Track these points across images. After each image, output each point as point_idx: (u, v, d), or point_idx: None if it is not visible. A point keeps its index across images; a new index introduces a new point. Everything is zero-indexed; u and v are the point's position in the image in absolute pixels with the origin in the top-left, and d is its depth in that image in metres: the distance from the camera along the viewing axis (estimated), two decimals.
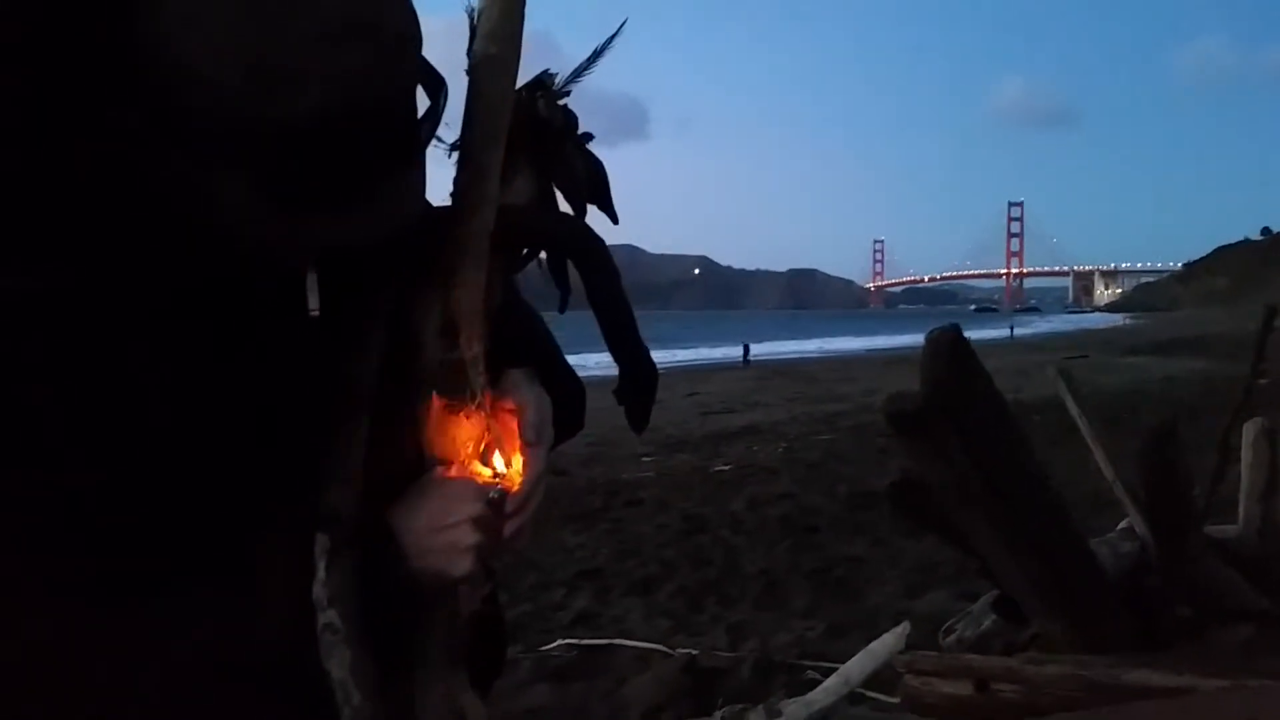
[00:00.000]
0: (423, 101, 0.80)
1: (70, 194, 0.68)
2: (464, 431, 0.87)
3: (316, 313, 0.76)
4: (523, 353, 0.94)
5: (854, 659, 3.15)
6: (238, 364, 0.76)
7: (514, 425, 0.89)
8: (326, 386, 0.81)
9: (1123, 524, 2.50)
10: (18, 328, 0.68)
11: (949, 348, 1.63)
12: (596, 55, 1.04)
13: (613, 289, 1.05)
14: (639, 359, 1.08)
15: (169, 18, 0.65)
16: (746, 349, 33.11)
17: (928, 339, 1.63)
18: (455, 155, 0.88)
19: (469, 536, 0.82)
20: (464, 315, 0.87)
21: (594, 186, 1.07)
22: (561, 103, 1.04)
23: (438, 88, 0.81)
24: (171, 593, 0.71)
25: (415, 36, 0.74)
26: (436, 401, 0.86)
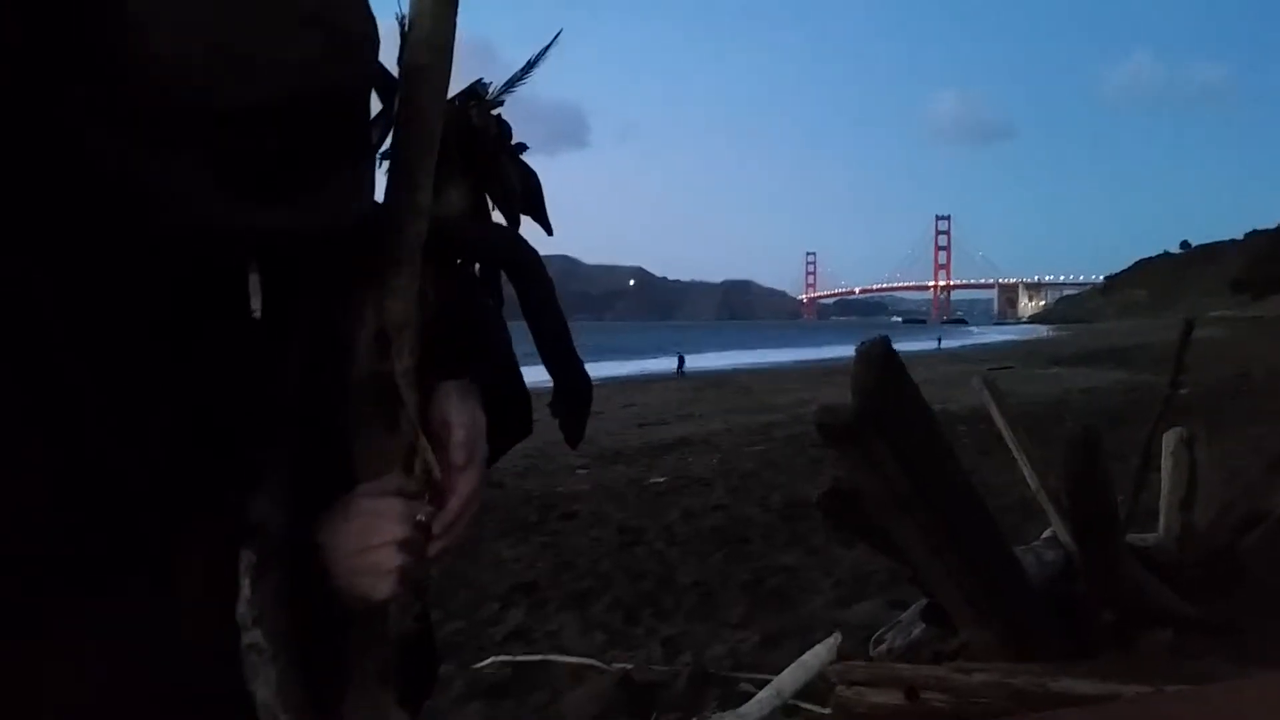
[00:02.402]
0: (376, 105, 0.80)
1: (16, 173, 0.66)
2: (393, 446, 0.85)
3: (258, 314, 0.75)
4: (458, 366, 0.93)
5: (786, 670, 3.18)
6: (173, 363, 0.74)
7: (444, 438, 0.88)
8: (258, 393, 0.79)
9: (1047, 533, 2.56)
10: None
11: (879, 360, 1.65)
12: (531, 65, 1.04)
13: (546, 301, 1.04)
14: (573, 372, 1.08)
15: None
16: (681, 360, 33.28)
17: (858, 351, 1.66)
18: (387, 164, 0.87)
19: (394, 559, 0.80)
20: (395, 326, 0.85)
21: (528, 197, 1.06)
22: (495, 112, 1.03)
23: (392, 91, 0.81)
24: (90, 599, 0.69)
25: (371, 37, 0.74)
26: (366, 414, 0.85)
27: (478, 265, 1.02)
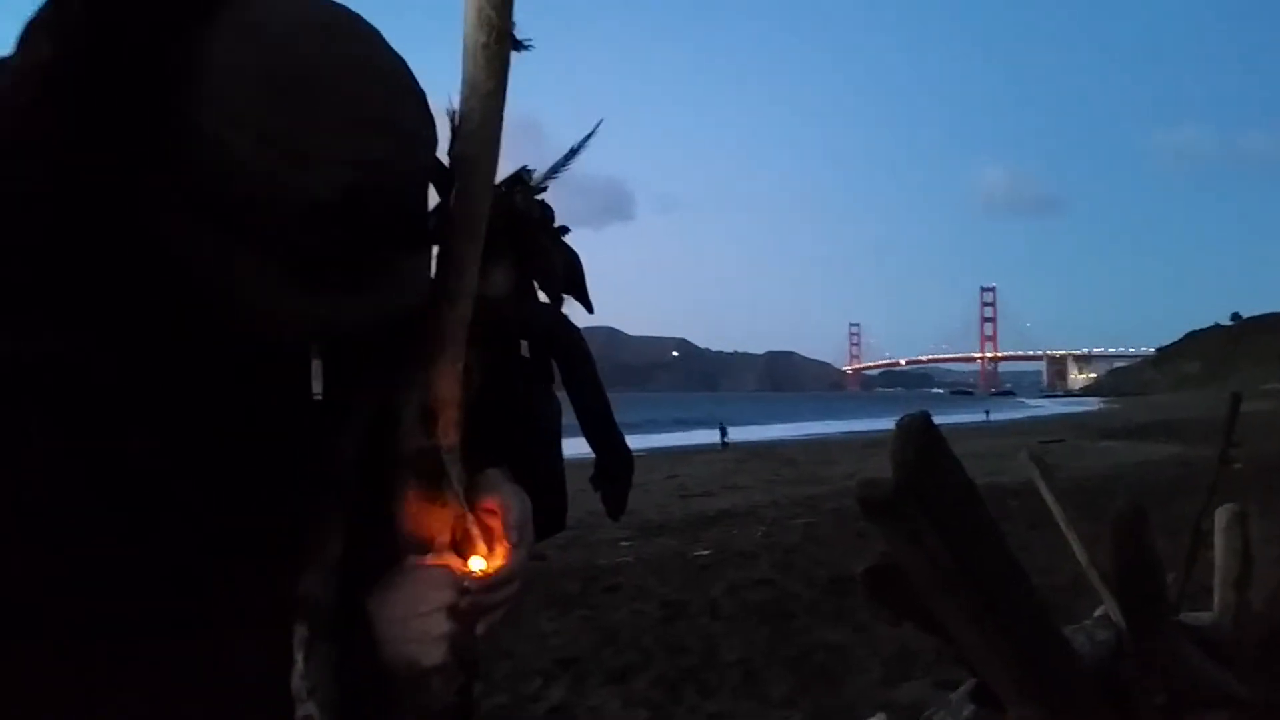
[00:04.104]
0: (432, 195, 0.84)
1: (93, 258, 0.69)
2: (439, 521, 0.87)
3: (319, 397, 0.78)
4: (502, 448, 0.96)
5: None
6: (235, 442, 0.77)
7: (490, 518, 0.90)
8: (315, 471, 0.82)
9: (1099, 611, 2.49)
10: (28, 392, 0.68)
11: (919, 434, 1.65)
12: (573, 153, 1.08)
13: (588, 377, 1.07)
14: (615, 447, 1.10)
15: (202, 96, 0.68)
16: (724, 431, 33.06)
17: (898, 426, 1.66)
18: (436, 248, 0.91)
19: (441, 625, 0.82)
20: (442, 404, 0.88)
21: (569, 277, 1.10)
22: (539, 197, 1.07)
23: (447, 183, 0.85)
24: (148, 667, 0.71)
25: (429, 137, 0.79)
26: (413, 489, 0.87)
27: (524, 344, 1.05)
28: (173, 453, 0.73)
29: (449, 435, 0.89)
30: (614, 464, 1.03)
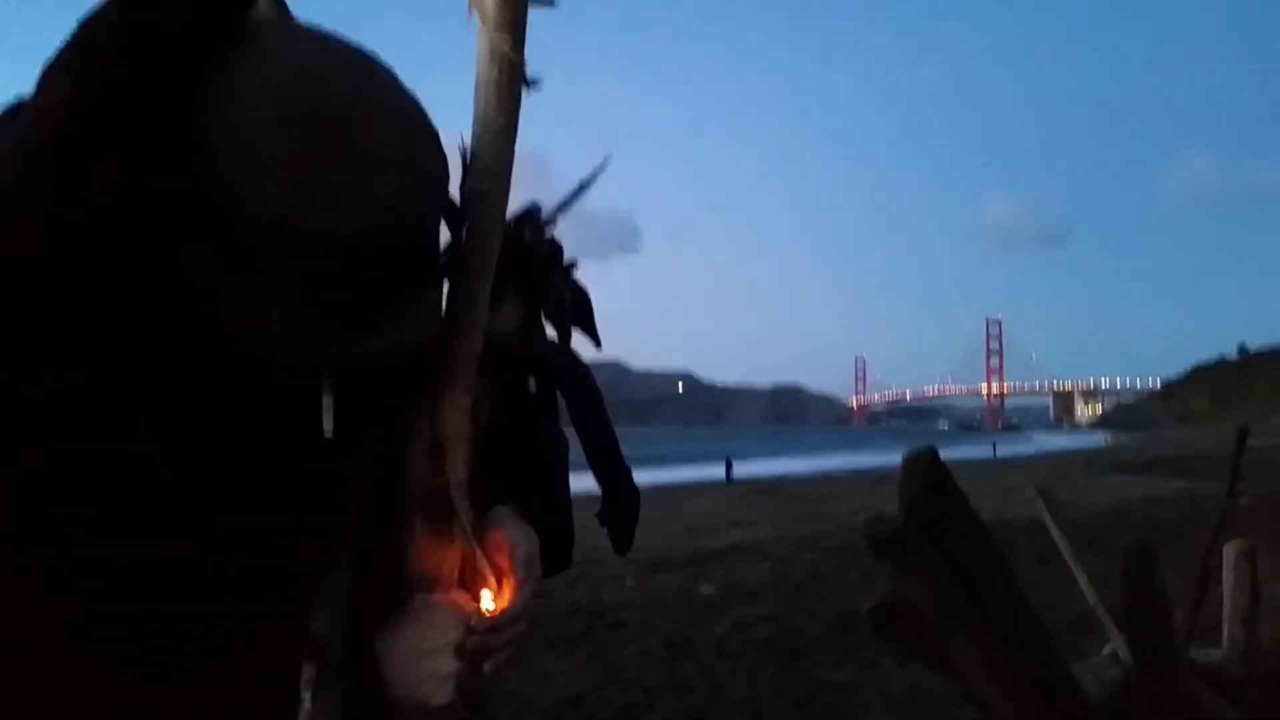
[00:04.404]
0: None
1: (109, 293, 0.70)
2: (447, 557, 0.87)
3: (330, 434, 0.78)
4: (510, 484, 0.96)
5: None
6: (247, 477, 0.77)
7: (497, 555, 0.90)
8: (324, 508, 0.82)
9: (1107, 649, 2.48)
10: (51, 429, 0.68)
11: (925, 469, 1.65)
12: (582, 188, 1.09)
13: (596, 412, 1.07)
14: (622, 481, 1.10)
15: (221, 136, 0.69)
16: (729, 466, 32.94)
17: (904, 461, 1.66)
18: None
19: (448, 664, 0.82)
20: (450, 440, 0.89)
21: (578, 312, 1.11)
22: (548, 232, 1.08)
23: (459, 220, 0.85)
24: (161, 701, 0.71)
25: (443, 176, 0.79)
26: (421, 525, 0.87)
27: (531, 378, 1.06)
28: (186, 486, 0.73)
29: (457, 470, 0.89)
30: (621, 499, 1.03)
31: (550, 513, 1.02)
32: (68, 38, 0.71)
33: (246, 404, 0.76)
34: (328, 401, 0.78)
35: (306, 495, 0.81)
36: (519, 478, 0.99)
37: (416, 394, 0.88)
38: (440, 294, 0.85)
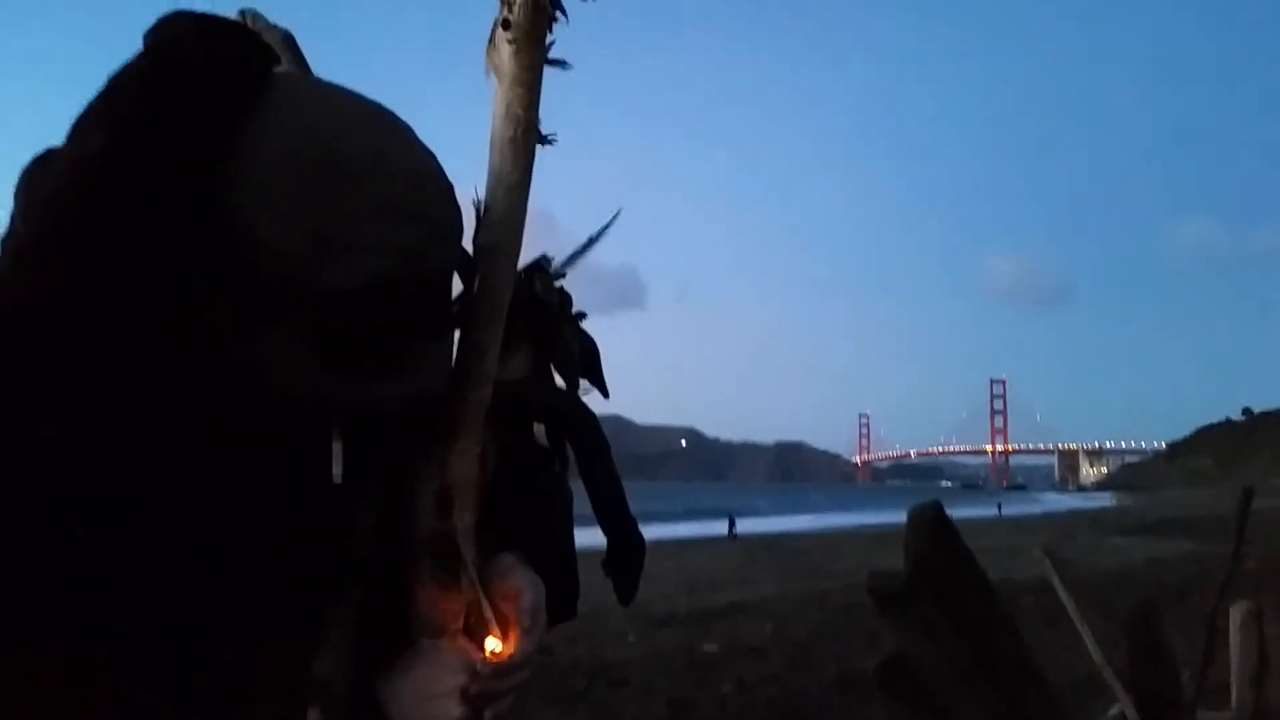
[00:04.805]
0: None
1: (126, 338, 0.71)
2: (453, 604, 0.87)
3: (339, 480, 0.79)
4: (516, 532, 0.96)
5: None
6: (257, 522, 0.78)
7: (503, 604, 0.90)
8: (332, 554, 0.83)
9: (1114, 710, 2.45)
10: (66, 469, 0.69)
11: (931, 524, 1.65)
12: (591, 242, 1.11)
13: (603, 462, 1.08)
14: (627, 532, 1.10)
15: (243, 186, 0.71)
16: (732, 523, 32.71)
17: (910, 516, 1.66)
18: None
19: (452, 710, 0.82)
20: (458, 487, 0.89)
21: (586, 363, 1.12)
22: (558, 284, 1.10)
23: (472, 270, 0.88)
24: None
25: (457, 228, 0.82)
26: (428, 571, 0.88)
27: (539, 427, 1.07)
28: (195, 527, 0.74)
29: (465, 518, 0.90)
30: (627, 550, 1.03)
31: (555, 561, 1.02)
32: (100, 90, 0.74)
33: (257, 448, 0.77)
34: (338, 448, 0.80)
35: (314, 539, 0.82)
36: (525, 526, 1.00)
37: (426, 441, 0.89)
38: (451, 343, 0.87)
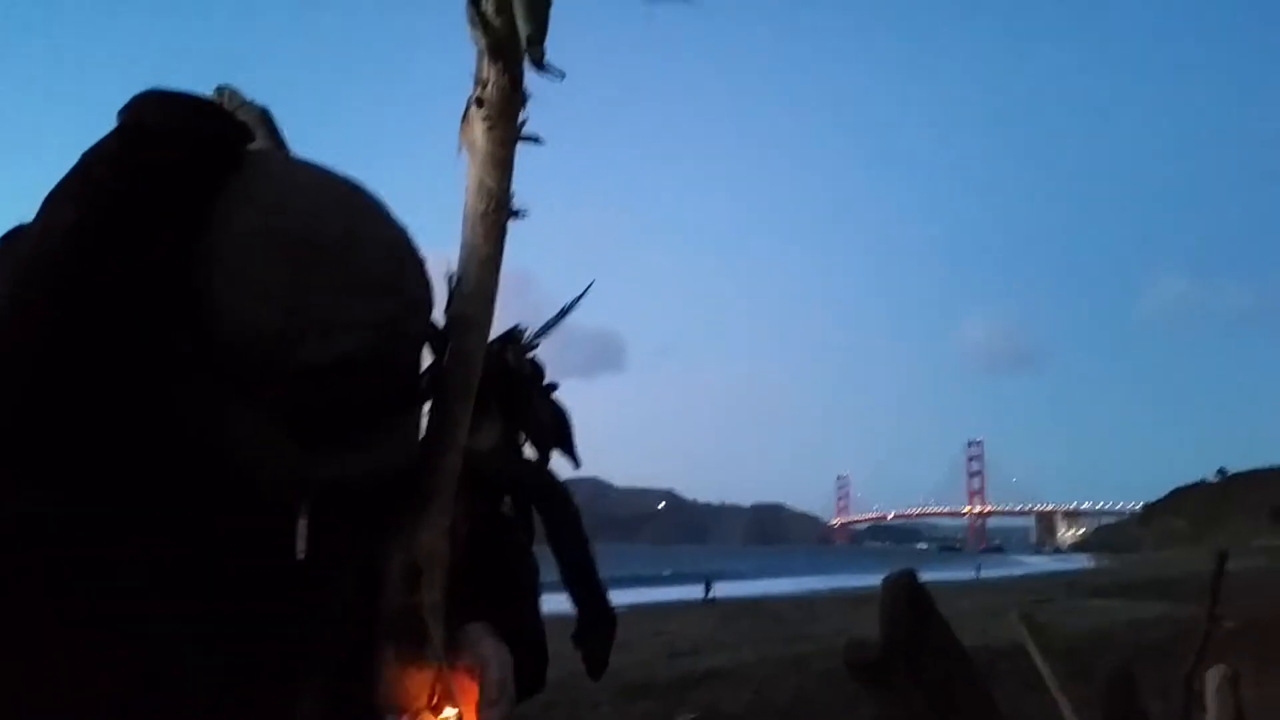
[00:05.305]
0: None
1: (95, 416, 0.70)
2: (419, 680, 0.86)
3: (302, 557, 0.78)
4: (484, 604, 0.96)
5: None
6: (220, 600, 0.76)
7: (470, 680, 0.89)
8: (296, 632, 0.81)
9: None
10: (30, 547, 0.68)
11: (905, 593, 1.64)
12: (564, 312, 1.12)
13: (572, 533, 1.08)
14: (597, 603, 1.09)
15: (216, 262, 0.71)
16: (708, 586, 32.44)
17: (884, 584, 1.65)
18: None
19: None
20: (426, 560, 0.89)
21: (558, 433, 1.12)
22: (531, 354, 1.11)
23: (443, 342, 0.88)
24: None
25: (428, 301, 0.82)
26: (394, 647, 0.87)
27: (508, 499, 1.07)
28: (163, 609, 0.73)
29: (432, 592, 0.89)
30: (597, 621, 1.02)
31: (523, 633, 1.01)
32: (72, 168, 0.74)
33: (226, 525, 0.76)
34: (302, 524, 0.79)
35: (279, 616, 0.81)
36: (493, 598, 0.99)
37: (394, 515, 0.89)
38: (421, 416, 0.87)
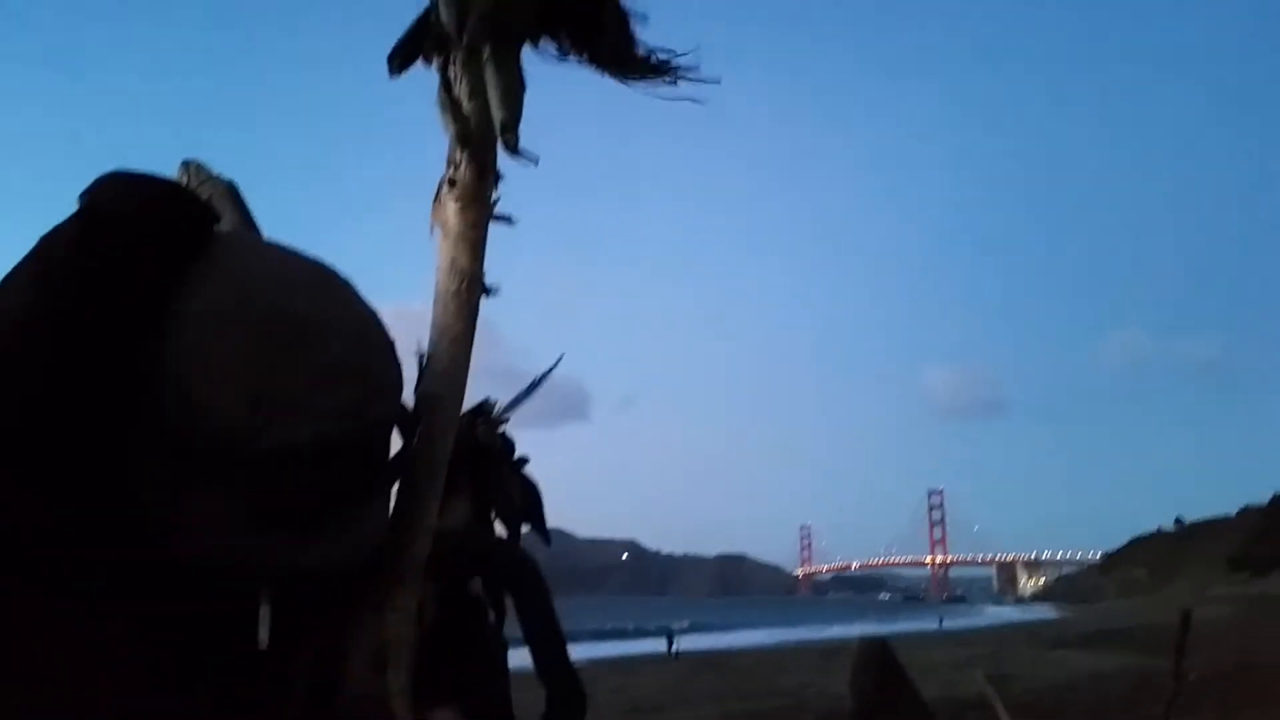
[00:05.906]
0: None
1: (49, 501, 0.68)
2: None
3: (265, 646, 0.76)
4: (452, 684, 0.94)
5: None
6: (179, 691, 0.74)
7: None
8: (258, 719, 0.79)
9: None
10: None
11: (877, 659, 1.63)
12: (534, 386, 1.12)
13: (543, 611, 1.06)
14: (566, 683, 1.08)
15: (180, 346, 0.70)
16: (670, 639, 32.15)
17: (856, 649, 1.65)
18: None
19: None
20: (394, 644, 0.87)
21: (528, 509, 1.11)
22: (500, 429, 1.10)
23: (412, 425, 0.86)
24: None
25: (397, 384, 0.81)
26: None
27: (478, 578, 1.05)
28: (120, 700, 0.70)
29: (399, 676, 0.87)
30: (566, 700, 1.00)
31: (491, 712, 1.00)
32: (30, 251, 0.73)
33: (186, 613, 0.74)
34: (265, 612, 0.77)
35: (243, 703, 0.78)
36: (463, 681, 0.97)
37: (360, 598, 0.87)
38: (388, 500, 0.85)
